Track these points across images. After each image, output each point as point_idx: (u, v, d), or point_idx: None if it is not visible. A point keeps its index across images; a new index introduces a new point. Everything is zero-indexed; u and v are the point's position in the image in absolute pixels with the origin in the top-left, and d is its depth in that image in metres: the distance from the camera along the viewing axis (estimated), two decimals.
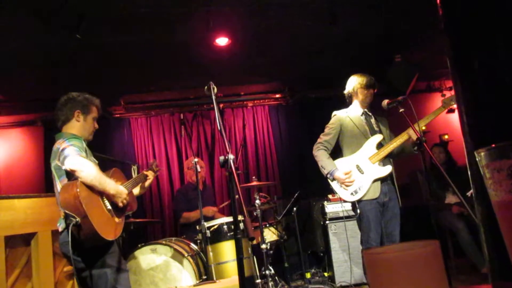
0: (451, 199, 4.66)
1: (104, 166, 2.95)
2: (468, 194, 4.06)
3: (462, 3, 0.70)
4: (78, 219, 2.33)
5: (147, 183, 3.15)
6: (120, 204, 2.59)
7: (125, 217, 2.79)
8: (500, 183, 0.38)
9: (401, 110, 3.21)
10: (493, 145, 0.38)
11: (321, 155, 3.46)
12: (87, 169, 2.44)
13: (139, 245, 3.86)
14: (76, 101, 2.77)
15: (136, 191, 3.09)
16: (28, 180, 5.67)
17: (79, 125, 2.77)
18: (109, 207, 2.56)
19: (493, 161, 0.39)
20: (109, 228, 2.48)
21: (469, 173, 0.77)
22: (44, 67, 4.64)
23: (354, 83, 3.55)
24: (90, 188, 2.45)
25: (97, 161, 2.80)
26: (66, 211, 2.37)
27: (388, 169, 3.34)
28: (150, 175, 3.16)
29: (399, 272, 0.35)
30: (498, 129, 0.64)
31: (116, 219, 2.60)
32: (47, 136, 5.77)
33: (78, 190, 2.37)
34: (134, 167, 3.45)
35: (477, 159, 0.42)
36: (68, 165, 2.43)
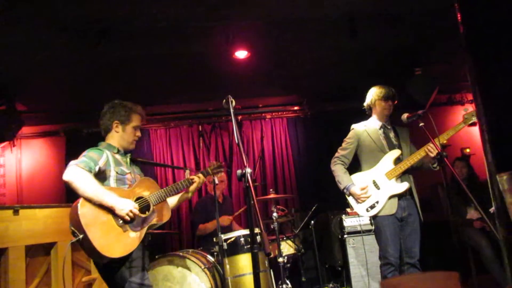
0: (473, 214, 4.56)
1: (154, 172, 2.94)
2: (491, 210, 3.96)
3: (483, 21, 0.69)
4: (80, 236, 2.29)
5: (192, 187, 2.94)
6: (126, 218, 2.43)
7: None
8: None
9: (421, 124, 3.18)
10: None
11: (338, 170, 3.46)
12: (80, 180, 2.36)
13: (156, 257, 3.86)
14: (116, 111, 2.77)
15: (173, 199, 2.97)
16: (49, 190, 5.76)
17: (118, 136, 2.77)
18: (122, 221, 2.47)
19: None
20: (116, 245, 2.38)
21: (490, 193, 0.76)
22: (66, 79, 4.74)
23: (372, 95, 3.53)
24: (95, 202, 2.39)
25: (127, 171, 2.71)
26: (71, 227, 2.35)
27: (404, 185, 3.30)
28: (198, 179, 2.95)
29: None
30: None
31: (132, 233, 2.48)
32: (69, 146, 5.87)
33: (78, 205, 2.33)
34: (187, 171, 3.20)
35: (498, 182, 0.40)
36: (63, 177, 2.41)
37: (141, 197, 2.64)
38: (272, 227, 4.22)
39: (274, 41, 4.35)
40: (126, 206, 2.43)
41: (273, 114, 6.30)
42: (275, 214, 4.15)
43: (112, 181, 2.62)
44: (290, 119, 6.35)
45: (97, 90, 5.08)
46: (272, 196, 4.36)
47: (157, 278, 3.77)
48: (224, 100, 2.33)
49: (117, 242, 2.39)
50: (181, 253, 3.89)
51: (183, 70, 4.82)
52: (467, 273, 4.49)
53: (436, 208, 5.33)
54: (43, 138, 6.00)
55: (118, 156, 2.74)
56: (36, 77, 4.57)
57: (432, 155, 3.17)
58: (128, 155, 2.87)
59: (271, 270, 4.14)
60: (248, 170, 2.02)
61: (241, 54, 4.50)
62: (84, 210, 2.33)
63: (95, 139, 5.90)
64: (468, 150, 6.06)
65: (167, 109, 6.03)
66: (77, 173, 2.39)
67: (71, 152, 5.80)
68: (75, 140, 5.83)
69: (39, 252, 3.45)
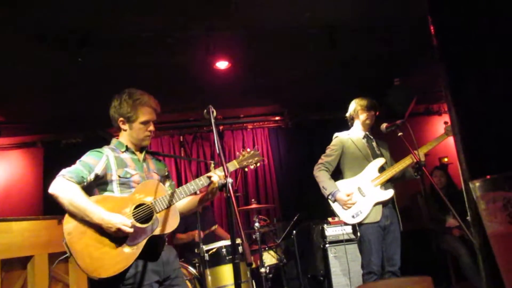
0: (451, 222, 4.64)
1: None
2: (469, 218, 4.04)
3: (456, 33, 0.72)
4: (68, 253, 2.12)
5: (211, 188, 2.44)
6: (118, 234, 2.16)
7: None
8: (494, 214, 0.39)
9: (399, 134, 3.25)
10: (488, 177, 0.39)
11: (322, 176, 3.46)
12: (63, 194, 2.15)
13: None
14: (120, 107, 2.46)
15: (186, 203, 2.57)
16: (26, 202, 5.66)
17: (126, 133, 2.49)
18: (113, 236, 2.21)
19: (488, 192, 0.39)
20: (106, 263, 2.13)
21: (465, 201, 0.78)
22: (45, 90, 4.69)
23: (355, 105, 3.60)
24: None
25: (133, 173, 2.40)
26: (63, 242, 2.16)
27: (390, 193, 3.35)
28: (216, 177, 2.42)
29: None
30: (495, 158, 0.65)
31: (126, 249, 2.18)
32: (47, 158, 5.81)
33: (64, 221, 2.15)
34: (212, 166, 2.75)
35: (471, 189, 0.42)
36: (49, 189, 2.19)
37: (142, 204, 2.30)
38: (254, 237, 4.23)
39: (255, 52, 4.38)
40: (114, 224, 2.13)
41: (255, 124, 6.35)
42: (257, 224, 4.17)
43: (115, 186, 2.35)
44: (272, 129, 6.39)
45: (76, 101, 5.03)
46: (254, 206, 4.38)
47: None
48: (205, 110, 2.27)
49: (107, 260, 2.14)
50: None
51: (164, 80, 4.81)
52: (446, 279, 4.58)
53: (416, 216, 5.41)
54: (21, 149, 5.91)
55: (125, 156, 2.45)
56: (13, 87, 4.50)
57: (414, 161, 3.24)
58: (143, 152, 2.56)
59: (253, 281, 4.13)
60: (229, 180, 1.98)
61: (222, 64, 4.52)
62: (68, 226, 2.15)
63: (73, 150, 5.81)
64: (446, 159, 6.19)
65: None
66: (61, 186, 2.17)
67: (49, 163, 5.73)
68: (53, 151, 5.77)
69: (15, 266, 3.37)
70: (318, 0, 3.50)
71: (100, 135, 5.66)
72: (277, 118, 6.40)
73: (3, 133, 5.05)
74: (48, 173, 5.69)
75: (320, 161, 3.56)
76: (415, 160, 3.24)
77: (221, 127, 6.14)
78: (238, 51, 4.33)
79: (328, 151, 3.57)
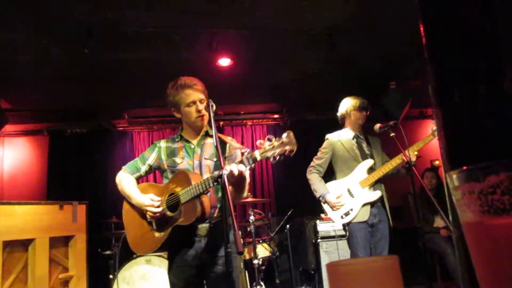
0: (440, 222, 4.74)
1: None
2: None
3: (446, 34, 0.76)
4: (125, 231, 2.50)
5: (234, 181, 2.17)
6: (147, 217, 2.36)
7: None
8: (469, 205, 0.41)
9: (392, 134, 3.32)
10: (464, 168, 0.41)
11: (313, 179, 3.56)
12: (120, 183, 2.49)
13: (134, 256, 3.94)
14: (168, 98, 2.51)
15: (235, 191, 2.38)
16: (31, 187, 5.77)
17: (183, 121, 2.53)
18: (149, 220, 2.41)
19: (464, 183, 0.41)
20: (143, 243, 2.41)
21: (446, 195, 0.82)
22: (52, 80, 4.79)
23: (347, 105, 3.62)
24: None
25: (178, 162, 2.43)
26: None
27: (377, 194, 3.42)
28: (225, 171, 2.07)
29: (359, 282, 0.42)
30: (475, 157, 0.69)
31: (156, 234, 2.35)
32: (52, 146, 5.91)
33: (124, 202, 2.51)
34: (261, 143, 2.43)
35: (448, 181, 0.44)
36: None
37: (173, 193, 2.31)
38: (248, 229, 4.32)
39: (257, 50, 4.47)
40: (143, 206, 2.34)
41: (254, 121, 6.46)
42: (252, 218, 4.26)
43: (169, 174, 2.44)
44: (270, 127, 6.50)
45: (82, 92, 5.13)
46: (249, 199, 4.47)
47: (134, 277, 3.85)
48: (205, 104, 2.35)
49: (144, 241, 2.41)
50: (158, 253, 3.96)
51: (167, 74, 4.88)
52: (432, 278, 4.70)
53: (407, 216, 5.52)
54: (27, 137, 6.02)
55: (179, 145, 2.50)
56: (22, 76, 4.61)
57: (405, 161, 3.30)
58: (201, 136, 2.51)
59: (246, 272, 4.25)
60: (225, 172, 2.03)
61: (225, 62, 4.61)
62: (125, 209, 2.51)
63: (78, 139, 5.92)
64: (437, 162, 6.28)
65: (150, 113, 6.10)
66: (118, 177, 2.53)
67: (54, 151, 5.84)
68: (58, 140, 5.87)
69: (17, 248, 3.46)
70: (319, 3, 3.58)
71: (104, 126, 5.79)
72: (276, 116, 6.50)
73: (10, 120, 5.16)
74: (53, 160, 5.82)
75: (312, 163, 3.63)
76: (405, 161, 3.35)
77: (221, 123, 6.25)
78: (240, 50, 4.42)
79: (318, 154, 3.64)
